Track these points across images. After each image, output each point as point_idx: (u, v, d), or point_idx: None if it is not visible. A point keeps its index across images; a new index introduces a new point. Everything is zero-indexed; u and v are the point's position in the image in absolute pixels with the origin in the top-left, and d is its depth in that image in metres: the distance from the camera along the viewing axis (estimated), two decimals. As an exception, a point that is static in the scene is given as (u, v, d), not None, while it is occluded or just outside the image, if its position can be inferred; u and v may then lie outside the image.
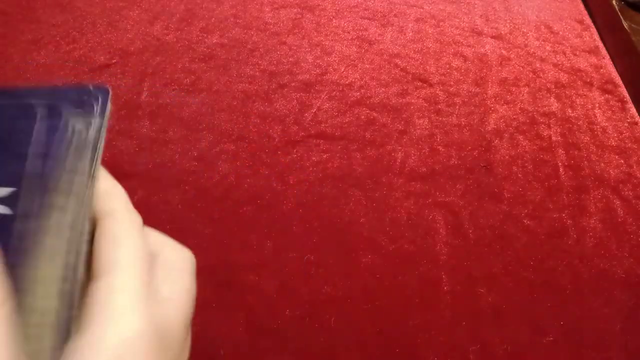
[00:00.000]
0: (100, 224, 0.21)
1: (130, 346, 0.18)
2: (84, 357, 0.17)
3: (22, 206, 0.20)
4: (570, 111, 0.81)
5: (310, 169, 0.68)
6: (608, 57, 0.92)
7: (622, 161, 0.75)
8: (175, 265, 0.23)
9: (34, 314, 0.19)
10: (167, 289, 0.21)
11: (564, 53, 0.91)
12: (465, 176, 0.70)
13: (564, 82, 0.86)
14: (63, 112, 0.22)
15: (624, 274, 0.62)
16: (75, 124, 0.22)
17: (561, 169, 0.72)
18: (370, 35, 0.89)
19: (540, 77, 0.86)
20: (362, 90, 0.79)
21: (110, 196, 0.22)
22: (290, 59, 0.82)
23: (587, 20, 0.99)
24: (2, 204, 0.20)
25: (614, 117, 0.81)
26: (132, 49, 0.80)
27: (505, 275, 0.61)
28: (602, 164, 0.74)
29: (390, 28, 0.91)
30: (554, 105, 0.82)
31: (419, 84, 0.81)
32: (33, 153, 0.20)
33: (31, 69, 0.75)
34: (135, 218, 0.22)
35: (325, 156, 0.69)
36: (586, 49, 0.93)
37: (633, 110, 0.82)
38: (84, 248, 0.20)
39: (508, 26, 0.95)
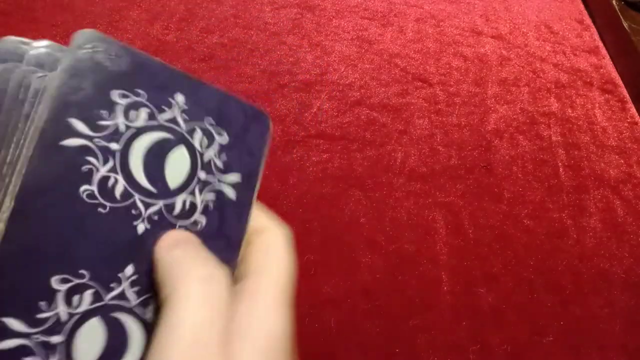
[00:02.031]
0: (255, 237, 0.24)
1: (276, 341, 0.20)
2: (239, 338, 0.19)
3: (241, 196, 0.24)
4: (570, 111, 0.81)
5: (310, 169, 0.68)
6: (608, 57, 0.92)
7: (622, 161, 0.75)
8: (270, 244, 0.25)
9: None
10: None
11: (564, 53, 0.91)
12: (465, 176, 0.70)
13: (564, 82, 0.86)
14: (268, 121, 0.25)
15: (624, 274, 0.62)
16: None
17: (561, 169, 0.72)
18: (370, 35, 0.89)
19: (540, 77, 0.86)
20: (362, 90, 0.79)
21: (263, 212, 0.25)
22: (290, 59, 0.82)
23: (587, 20, 0.99)
24: (233, 188, 0.23)
25: (614, 117, 0.81)
26: (132, 49, 0.80)
27: (505, 275, 0.61)
28: (602, 164, 0.74)
29: (390, 28, 0.91)
30: (554, 105, 0.82)
31: (419, 84, 0.81)
32: (255, 153, 0.24)
33: (31, 69, 0.75)
34: (286, 232, 0.24)
35: (325, 156, 0.69)
36: (586, 49, 0.93)
37: (633, 110, 0.82)
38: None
39: (508, 26, 0.95)
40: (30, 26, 0.81)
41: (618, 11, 0.93)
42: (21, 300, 0.19)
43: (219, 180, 0.23)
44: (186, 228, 0.22)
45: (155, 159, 0.21)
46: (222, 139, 0.23)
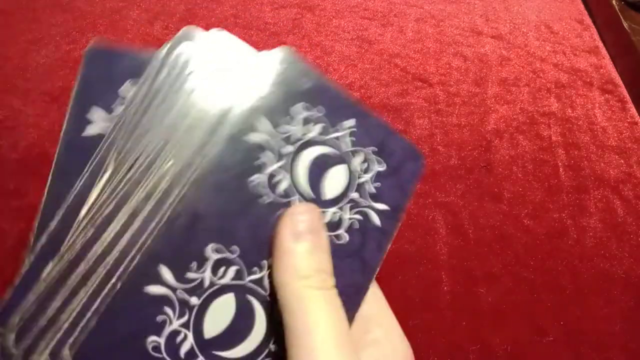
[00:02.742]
0: (374, 341, 0.25)
1: None
2: None
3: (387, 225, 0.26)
4: (570, 111, 0.81)
5: (310, 169, 0.68)
6: (608, 57, 0.92)
7: (622, 161, 0.75)
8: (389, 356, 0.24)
9: None
10: None
11: (564, 53, 0.91)
12: (465, 176, 0.70)
13: (564, 82, 0.86)
14: (422, 161, 0.28)
15: (624, 274, 0.62)
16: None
17: (561, 169, 0.72)
18: (370, 35, 0.89)
19: (540, 77, 0.86)
20: (362, 90, 0.79)
21: (390, 314, 0.27)
22: (290, 59, 0.82)
23: (587, 20, 0.99)
24: (379, 216, 0.25)
25: (614, 117, 0.81)
26: (132, 49, 0.80)
27: (505, 275, 0.61)
28: (602, 164, 0.74)
29: (390, 28, 0.91)
30: (554, 105, 0.82)
31: (419, 84, 0.81)
32: (405, 188, 0.27)
33: (31, 69, 0.75)
34: (407, 352, 0.25)
35: (325, 156, 0.69)
36: (586, 49, 0.93)
37: (633, 110, 0.82)
38: None
39: (508, 26, 0.95)
40: (30, 26, 0.81)
41: (618, 11, 0.93)
42: (180, 255, 0.22)
43: (369, 205, 0.25)
44: (332, 239, 0.24)
45: (318, 169, 0.24)
46: (380, 167, 0.26)
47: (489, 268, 0.61)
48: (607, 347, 0.57)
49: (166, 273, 0.21)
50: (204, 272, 0.22)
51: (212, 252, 0.22)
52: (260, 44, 0.85)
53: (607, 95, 0.84)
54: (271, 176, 0.23)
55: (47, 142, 0.66)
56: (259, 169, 0.23)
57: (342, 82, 0.80)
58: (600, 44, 0.94)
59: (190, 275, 0.22)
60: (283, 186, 0.23)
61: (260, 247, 0.22)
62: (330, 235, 0.23)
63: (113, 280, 0.21)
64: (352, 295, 0.23)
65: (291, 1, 0.92)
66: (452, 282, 0.59)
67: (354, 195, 0.24)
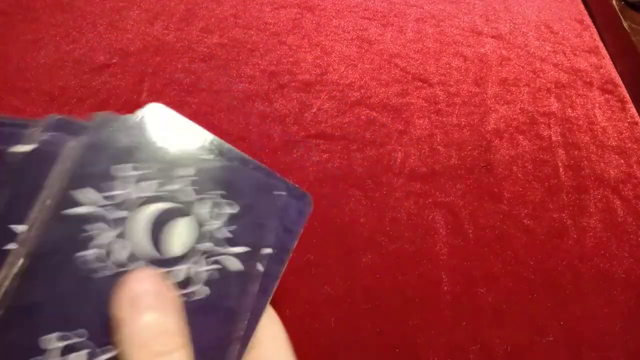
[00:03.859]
0: (257, 343, 0.24)
1: None
2: None
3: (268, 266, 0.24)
4: (570, 111, 0.81)
5: (310, 169, 0.68)
6: (608, 57, 0.92)
7: (622, 161, 0.75)
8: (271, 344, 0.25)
9: None
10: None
11: (564, 53, 0.91)
12: (465, 176, 0.70)
13: (564, 82, 0.86)
14: (308, 199, 0.26)
15: (624, 274, 0.62)
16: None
17: (561, 169, 0.72)
18: (370, 35, 0.89)
19: (540, 77, 0.86)
20: (362, 90, 0.79)
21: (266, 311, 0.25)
22: (290, 59, 0.82)
23: (587, 20, 0.99)
24: (238, 259, 0.23)
25: (614, 117, 0.81)
26: (132, 49, 0.80)
27: (505, 275, 0.61)
28: (602, 164, 0.74)
29: (390, 28, 0.91)
30: (554, 105, 0.82)
31: (419, 84, 0.81)
32: (283, 226, 0.25)
33: (31, 69, 0.75)
34: (283, 336, 0.25)
35: (325, 156, 0.69)
36: (586, 49, 0.93)
37: (633, 110, 0.82)
38: None
39: (508, 26, 0.95)
40: (30, 26, 0.81)
41: (618, 11, 0.93)
42: (19, 355, 0.20)
43: (225, 252, 0.23)
44: (186, 297, 0.22)
45: (161, 227, 0.22)
46: (232, 210, 0.24)
47: (489, 268, 0.61)
48: (607, 347, 0.57)
49: None
50: None
51: (56, 342, 0.20)
52: (260, 44, 0.85)
53: (607, 95, 0.84)
54: (107, 246, 0.21)
55: (47, 142, 0.66)
56: (89, 242, 0.21)
57: (342, 82, 0.80)
58: (600, 44, 0.94)
59: None
60: (124, 255, 0.22)
61: (109, 324, 0.21)
62: (184, 293, 0.22)
63: None
64: (224, 347, 0.22)
65: (291, 1, 0.92)
66: (452, 282, 0.59)
67: (207, 245, 0.23)
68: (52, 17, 0.82)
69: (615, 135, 0.78)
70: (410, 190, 0.67)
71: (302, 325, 0.55)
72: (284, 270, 0.25)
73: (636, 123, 0.80)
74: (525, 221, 0.66)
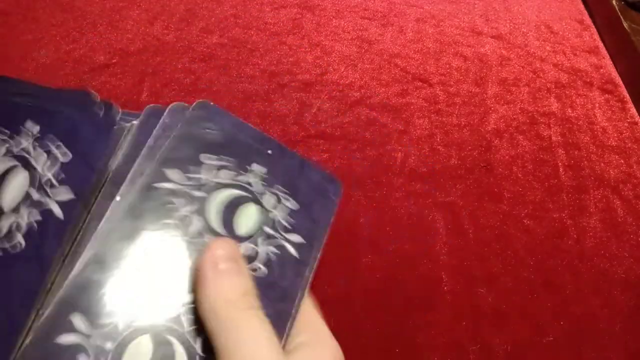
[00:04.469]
0: (304, 346, 0.25)
1: None
2: None
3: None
4: (570, 111, 0.81)
5: (310, 169, 0.68)
6: (608, 57, 0.92)
7: (622, 161, 0.75)
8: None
9: None
10: None
11: (564, 53, 0.91)
12: (465, 176, 0.70)
13: (564, 82, 0.86)
14: (339, 189, 0.31)
15: (624, 274, 0.62)
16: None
17: (561, 169, 0.72)
18: (370, 35, 0.89)
19: (540, 77, 0.86)
20: (362, 90, 0.79)
21: (320, 319, 0.27)
22: (290, 59, 0.82)
23: (587, 20, 0.99)
24: (294, 247, 0.27)
25: (614, 117, 0.81)
26: (132, 49, 0.80)
27: (505, 275, 0.61)
28: (602, 164, 0.74)
29: (390, 28, 0.91)
30: (554, 105, 0.82)
31: (419, 84, 0.81)
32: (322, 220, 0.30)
33: (31, 69, 0.75)
34: (336, 354, 0.25)
35: (325, 156, 0.69)
36: (586, 49, 0.93)
37: (633, 110, 0.82)
38: None
39: (508, 26, 0.95)
40: (30, 26, 0.81)
41: (618, 11, 0.93)
42: (93, 301, 0.22)
43: (283, 237, 0.27)
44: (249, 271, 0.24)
45: (230, 208, 0.26)
46: (290, 204, 0.28)
47: (489, 268, 0.61)
48: (607, 347, 0.57)
49: (79, 321, 0.21)
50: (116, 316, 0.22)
51: None
52: (260, 44, 0.85)
53: (607, 95, 0.84)
54: (183, 218, 0.24)
55: (47, 142, 0.66)
56: (172, 213, 0.24)
57: (342, 82, 0.80)
58: (600, 44, 0.94)
59: (103, 320, 0.22)
60: (196, 227, 0.24)
61: (186, 286, 0.23)
62: (247, 267, 0.25)
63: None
64: (275, 323, 0.23)
65: (291, 1, 0.92)
66: (452, 282, 0.59)
67: (267, 229, 0.26)
68: (52, 17, 0.82)
69: (615, 135, 0.78)
70: (410, 190, 0.67)
71: (302, 325, 0.55)
72: (318, 258, 0.28)
73: (636, 123, 0.80)
74: (525, 221, 0.66)
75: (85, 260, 0.22)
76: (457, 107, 0.79)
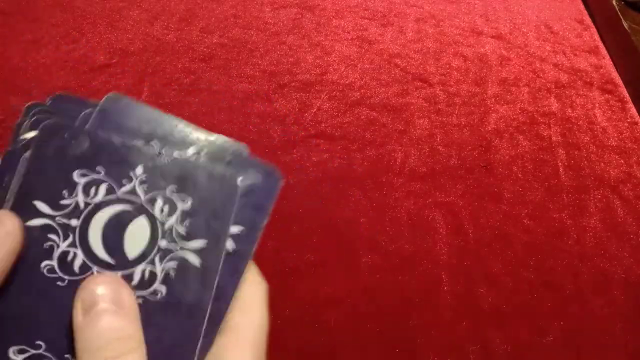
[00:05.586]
0: None
1: None
2: None
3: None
4: (570, 111, 0.81)
5: (310, 169, 0.68)
6: (608, 57, 0.92)
7: (622, 161, 0.75)
8: (247, 299, 0.24)
9: None
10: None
11: (564, 53, 0.91)
12: (465, 176, 0.70)
13: (564, 82, 0.86)
14: (278, 174, 0.26)
15: (624, 274, 0.62)
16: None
17: (561, 169, 0.72)
18: (370, 35, 0.89)
19: (540, 77, 0.86)
20: (362, 90, 0.79)
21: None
22: (290, 59, 0.82)
23: (587, 20, 0.99)
24: (196, 255, 0.23)
25: (614, 117, 0.81)
26: (132, 49, 0.80)
27: (505, 275, 0.61)
28: (602, 164, 0.74)
29: (390, 28, 0.91)
30: (554, 105, 0.82)
31: (419, 84, 0.81)
32: (252, 204, 0.25)
33: (31, 69, 0.75)
34: (263, 287, 0.24)
35: (325, 156, 0.69)
36: (586, 49, 0.93)
37: (633, 110, 0.82)
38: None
39: (508, 26, 0.95)
40: (31, 26, 0.81)
41: (618, 11, 0.93)
42: None
43: (182, 248, 0.23)
44: (145, 298, 0.22)
45: (114, 231, 0.22)
46: (184, 206, 0.23)
47: (489, 268, 0.61)
48: (607, 347, 0.57)
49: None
50: None
51: (15, 355, 0.21)
52: (260, 44, 0.85)
53: (607, 95, 0.84)
54: (63, 256, 0.22)
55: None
56: (48, 253, 0.22)
57: (342, 82, 0.80)
58: (600, 44, 0.94)
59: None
60: (77, 263, 0.22)
61: (67, 332, 0.21)
62: (143, 296, 0.22)
63: None
64: (186, 345, 0.22)
65: (291, 1, 0.92)
66: (452, 282, 0.59)
67: (162, 243, 0.23)
68: (52, 17, 0.83)
69: (615, 135, 0.78)
70: (410, 190, 0.67)
71: (302, 325, 0.55)
72: (254, 248, 0.24)
73: (636, 123, 0.80)
74: (525, 221, 0.66)
75: None
76: (457, 107, 0.79)
